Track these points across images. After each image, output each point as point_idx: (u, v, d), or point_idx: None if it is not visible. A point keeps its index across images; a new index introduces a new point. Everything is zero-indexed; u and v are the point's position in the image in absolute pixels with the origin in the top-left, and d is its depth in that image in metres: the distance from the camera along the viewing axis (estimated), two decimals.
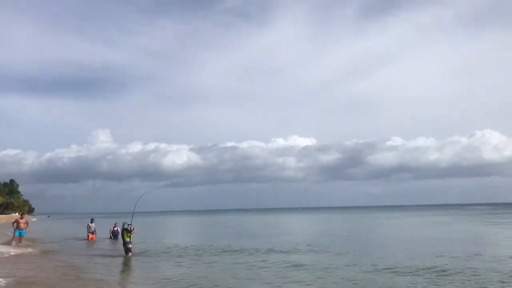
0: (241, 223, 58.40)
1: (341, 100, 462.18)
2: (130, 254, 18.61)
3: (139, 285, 12.44)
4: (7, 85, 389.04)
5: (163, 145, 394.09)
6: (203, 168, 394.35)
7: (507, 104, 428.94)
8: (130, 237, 18.95)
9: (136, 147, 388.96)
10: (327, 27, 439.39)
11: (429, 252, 17.63)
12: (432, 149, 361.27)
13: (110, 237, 28.29)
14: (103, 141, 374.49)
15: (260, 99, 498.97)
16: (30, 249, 22.23)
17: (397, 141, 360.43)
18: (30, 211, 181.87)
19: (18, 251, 21.18)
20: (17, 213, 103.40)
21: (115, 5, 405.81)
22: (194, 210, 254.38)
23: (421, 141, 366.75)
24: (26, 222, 25.24)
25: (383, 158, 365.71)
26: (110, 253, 20.72)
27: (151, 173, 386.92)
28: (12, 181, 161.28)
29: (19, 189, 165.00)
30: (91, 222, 29.44)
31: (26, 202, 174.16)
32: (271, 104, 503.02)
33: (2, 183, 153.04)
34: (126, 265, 16.79)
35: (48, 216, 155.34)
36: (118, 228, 26.05)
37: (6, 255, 19.37)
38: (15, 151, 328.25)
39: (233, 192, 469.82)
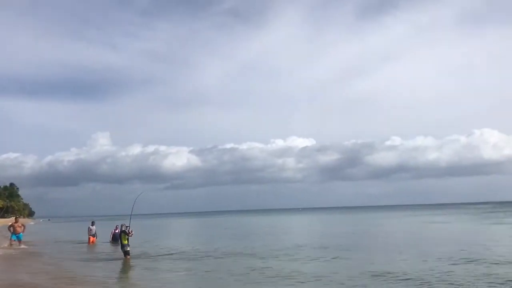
0: (240, 225, 58.44)
1: (340, 100, 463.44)
2: (128, 257, 18.52)
3: None
4: (7, 88, 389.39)
5: (162, 148, 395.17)
6: (203, 170, 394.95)
7: (505, 102, 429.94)
8: (128, 239, 18.87)
9: (135, 150, 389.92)
10: (325, 27, 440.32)
11: (422, 254, 17.50)
12: (431, 149, 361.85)
13: (110, 241, 28.04)
14: (102, 144, 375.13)
15: (259, 100, 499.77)
16: (24, 251, 22.25)
17: (396, 140, 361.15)
18: (30, 214, 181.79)
19: (13, 252, 21.23)
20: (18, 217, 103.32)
21: (115, 8, 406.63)
22: (195, 212, 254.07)
23: (420, 141, 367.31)
24: (22, 225, 25.27)
25: (382, 158, 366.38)
26: (108, 256, 20.71)
27: (151, 176, 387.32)
28: (12, 184, 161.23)
29: (19, 192, 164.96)
30: (92, 225, 29.37)
31: (26, 205, 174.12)
32: (270, 105, 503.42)
33: (2, 186, 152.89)
34: (124, 268, 16.71)
35: (49, 220, 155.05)
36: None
37: None
38: (15, 155, 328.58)
39: (233, 193, 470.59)
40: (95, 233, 29.16)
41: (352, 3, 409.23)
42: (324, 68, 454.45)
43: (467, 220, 48.58)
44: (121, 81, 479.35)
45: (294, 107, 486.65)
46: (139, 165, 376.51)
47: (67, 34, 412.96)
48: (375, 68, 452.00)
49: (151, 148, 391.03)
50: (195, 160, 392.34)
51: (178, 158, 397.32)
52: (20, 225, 24.86)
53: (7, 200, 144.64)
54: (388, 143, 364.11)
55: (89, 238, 28.69)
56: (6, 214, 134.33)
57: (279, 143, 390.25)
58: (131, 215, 19.46)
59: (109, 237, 28.62)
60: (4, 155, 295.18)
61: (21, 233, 24.67)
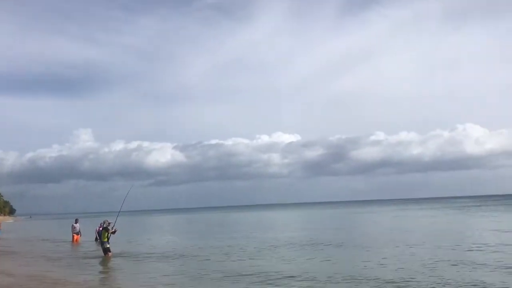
0: (225, 221, 58.24)
1: (325, 96, 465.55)
2: (109, 254, 18.06)
3: None
4: None
5: (146, 144, 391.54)
6: (188, 166, 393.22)
7: (487, 97, 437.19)
8: (108, 237, 18.35)
9: (118, 146, 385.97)
10: (309, 23, 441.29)
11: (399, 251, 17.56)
12: (415, 143, 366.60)
13: (96, 238, 27.49)
14: (85, 140, 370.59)
15: (244, 96, 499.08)
16: None
17: (380, 136, 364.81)
18: (11, 212, 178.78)
19: None
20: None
21: (97, 3, 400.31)
22: (179, 209, 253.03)
23: (404, 136, 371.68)
24: None
25: (366, 153, 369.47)
26: (86, 253, 20.21)
27: (134, 172, 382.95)
28: None
29: None
30: (76, 223, 28.60)
31: (6, 203, 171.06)
32: (255, 101, 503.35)
33: None
34: (104, 267, 16.19)
35: (30, 217, 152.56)
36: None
37: None
38: None
39: (218, 189, 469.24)
40: (79, 231, 28.33)
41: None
42: (309, 64, 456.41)
43: (450, 214, 49.16)
44: (103, 76, 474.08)
45: (280, 103, 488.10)
46: (122, 161, 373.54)
47: (48, 29, 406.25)
48: (360, 63, 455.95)
49: (134, 144, 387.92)
50: (179, 156, 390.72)
51: (162, 154, 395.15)
52: None
53: None
54: (372, 138, 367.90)
55: (72, 236, 27.92)
56: None
57: (265, 138, 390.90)
58: (119, 211, 19.29)
59: (94, 235, 28.11)
60: None
61: None
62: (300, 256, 16.63)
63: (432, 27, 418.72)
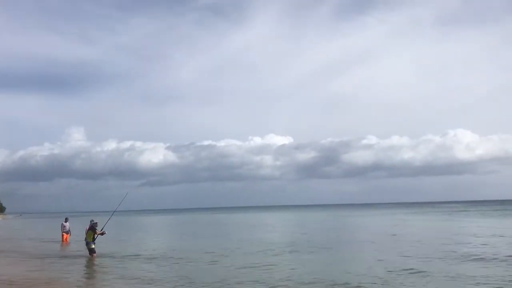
0: (216, 223, 58.33)
1: (317, 99, 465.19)
2: (95, 255, 17.91)
3: None
4: None
5: (138, 143, 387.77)
6: (180, 166, 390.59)
7: (478, 103, 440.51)
8: (94, 237, 18.14)
9: (111, 145, 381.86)
10: (303, 26, 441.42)
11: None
12: (406, 148, 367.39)
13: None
14: (77, 139, 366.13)
15: (237, 98, 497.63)
16: None
17: (372, 140, 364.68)
18: (1, 210, 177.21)
19: None
20: None
21: (90, 1, 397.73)
22: (171, 209, 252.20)
23: (396, 140, 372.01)
24: None
25: (358, 157, 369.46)
26: (74, 253, 20.03)
27: (126, 172, 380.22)
28: None
29: None
30: (66, 221, 28.49)
31: None
32: (248, 102, 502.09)
33: None
34: (88, 267, 15.99)
35: (20, 215, 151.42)
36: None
37: None
38: None
39: (210, 190, 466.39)
40: (69, 230, 28.26)
41: (331, 3, 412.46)
42: (303, 67, 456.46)
43: (440, 219, 49.72)
44: (96, 75, 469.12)
45: (272, 105, 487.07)
46: (114, 161, 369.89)
47: (40, 27, 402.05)
48: (353, 67, 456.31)
49: (126, 144, 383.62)
50: (171, 157, 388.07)
51: (154, 154, 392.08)
52: None
53: None
54: (364, 142, 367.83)
55: (62, 235, 27.85)
56: None
57: (257, 140, 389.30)
58: (111, 215, 19.35)
59: (84, 235, 28.05)
60: None
61: None
62: (285, 260, 16.78)
63: (425, 33, 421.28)
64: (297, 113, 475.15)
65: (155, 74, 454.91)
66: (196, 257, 17.65)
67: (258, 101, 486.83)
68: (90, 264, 16.73)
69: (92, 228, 18.27)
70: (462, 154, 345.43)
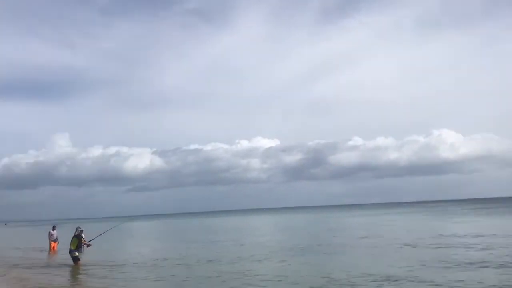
0: (204, 227, 58.37)
1: (303, 101, 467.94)
2: (79, 262, 17.86)
3: None
4: None
5: (124, 149, 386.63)
6: (167, 171, 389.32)
7: (462, 103, 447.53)
8: (79, 245, 18.07)
9: (96, 151, 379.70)
10: (288, 29, 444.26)
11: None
12: (392, 149, 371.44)
13: None
14: (62, 145, 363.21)
15: (223, 101, 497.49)
16: None
17: (357, 141, 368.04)
18: None
19: None
20: None
21: (73, 7, 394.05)
22: (158, 214, 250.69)
23: (381, 141, 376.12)
24: None
25: (344, 158, 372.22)
26: (61, 261, 19.78)
27: (112, 178, 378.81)
28: None
29: None
30: (53, 229, 28.15)
31: None
32: (234, 106, 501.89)
33: None
34: (73, 275, 15.85)
35: (5, 224, 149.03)
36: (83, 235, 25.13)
37: None
38: None
39: (197, 194, 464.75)
40: (57, 238, 27.94)
41: (314, 6, 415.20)
42: (288, 69, 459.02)
43: (425, 218, 50.56)
44: (80, 81, 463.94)
45: (259, 108, 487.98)
46: (100, 167, 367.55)
47: (23, 33, 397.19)
48: (338, 69, 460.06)
49: (112, 150, 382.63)
50: (158, 162, 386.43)
51: (140, 160, 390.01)
52: None
53: None
54: (350, 143, 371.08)
55: (50, 244, 27.57)
56: None
57: (244, 143, 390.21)
58: (100, 234, 19.49)
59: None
60: None
61: None
62: (273, 262, 17.17)
63: (408, 35, 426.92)
64: (283, 116, 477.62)
65: (140, 79, 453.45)
66: (183, 263, 17.87)
67: (244, 105, 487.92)
68: (75, 272, 16.57)
69: (78, 236, 18.25)
70: (446, 153, 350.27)
